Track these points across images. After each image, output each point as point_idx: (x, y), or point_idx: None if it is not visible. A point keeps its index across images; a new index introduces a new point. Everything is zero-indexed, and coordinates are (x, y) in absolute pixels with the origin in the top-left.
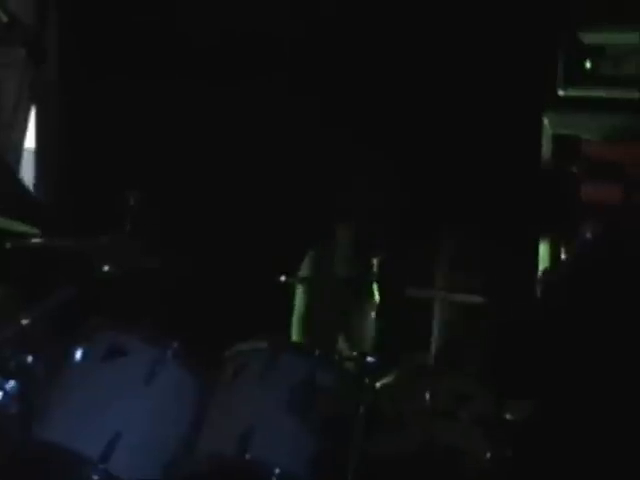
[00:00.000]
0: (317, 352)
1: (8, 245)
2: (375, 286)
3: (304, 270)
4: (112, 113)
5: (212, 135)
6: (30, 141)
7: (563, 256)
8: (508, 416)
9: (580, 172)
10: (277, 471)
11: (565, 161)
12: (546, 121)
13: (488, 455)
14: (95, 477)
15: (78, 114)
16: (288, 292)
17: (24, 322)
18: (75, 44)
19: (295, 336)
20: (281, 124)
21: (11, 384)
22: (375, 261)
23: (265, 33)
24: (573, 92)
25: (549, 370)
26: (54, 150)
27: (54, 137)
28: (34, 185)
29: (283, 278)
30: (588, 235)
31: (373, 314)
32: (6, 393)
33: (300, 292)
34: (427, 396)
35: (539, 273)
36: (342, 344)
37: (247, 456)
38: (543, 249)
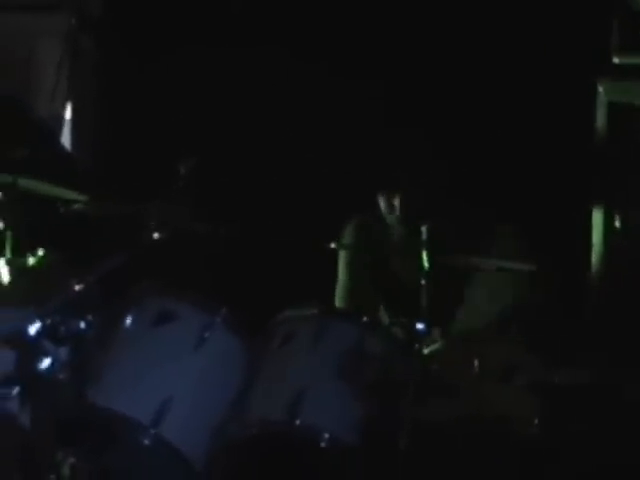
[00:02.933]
0: (365, 319)
1: (61, 210)
2: (424, 254)
3: (347, 237)
4: (149, 85)
5: (260, 100)
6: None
7: (618, 224)
8: (557, 381)
9: None
10: (326, 436)
11: (620, 129)
12: (601, 88)
13: (536, 421)
14: (146, 441)
15: (114, 83)
16: (332, 259)
17: (77, 288)
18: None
19: (338, 303)
20: (328, 95)
21: (61, 351)
22: (424, 229)
23: None
24: (628, 59)
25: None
26: (90, 119)
27: (90, 106)
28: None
29: (332, 245)
30: None
31: (422, 282)
32: (56, 360)
33: (343, 259)
34: (476, 362)
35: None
36: (383, 313)
37: (297, 421)
38: (596, 217)
